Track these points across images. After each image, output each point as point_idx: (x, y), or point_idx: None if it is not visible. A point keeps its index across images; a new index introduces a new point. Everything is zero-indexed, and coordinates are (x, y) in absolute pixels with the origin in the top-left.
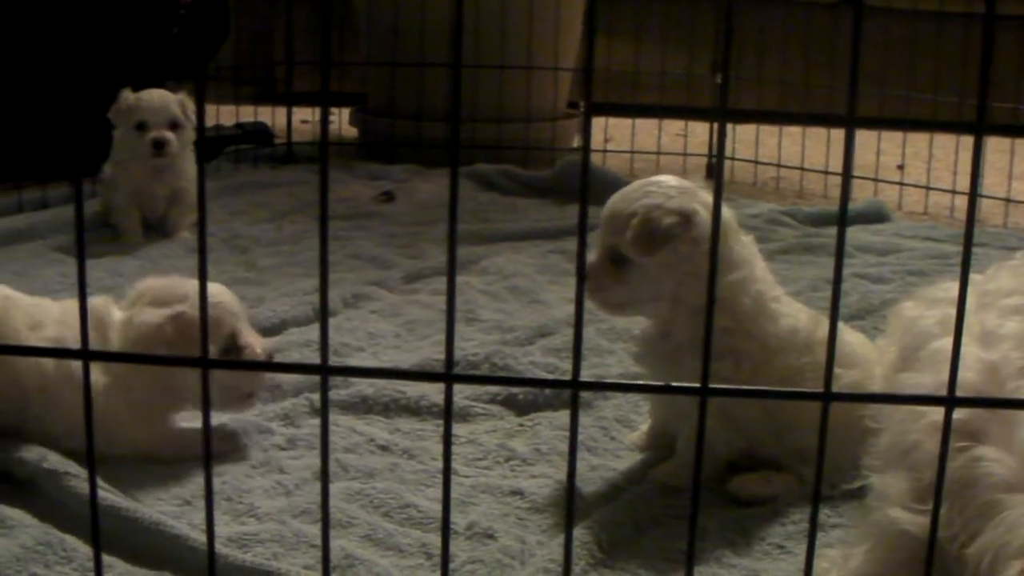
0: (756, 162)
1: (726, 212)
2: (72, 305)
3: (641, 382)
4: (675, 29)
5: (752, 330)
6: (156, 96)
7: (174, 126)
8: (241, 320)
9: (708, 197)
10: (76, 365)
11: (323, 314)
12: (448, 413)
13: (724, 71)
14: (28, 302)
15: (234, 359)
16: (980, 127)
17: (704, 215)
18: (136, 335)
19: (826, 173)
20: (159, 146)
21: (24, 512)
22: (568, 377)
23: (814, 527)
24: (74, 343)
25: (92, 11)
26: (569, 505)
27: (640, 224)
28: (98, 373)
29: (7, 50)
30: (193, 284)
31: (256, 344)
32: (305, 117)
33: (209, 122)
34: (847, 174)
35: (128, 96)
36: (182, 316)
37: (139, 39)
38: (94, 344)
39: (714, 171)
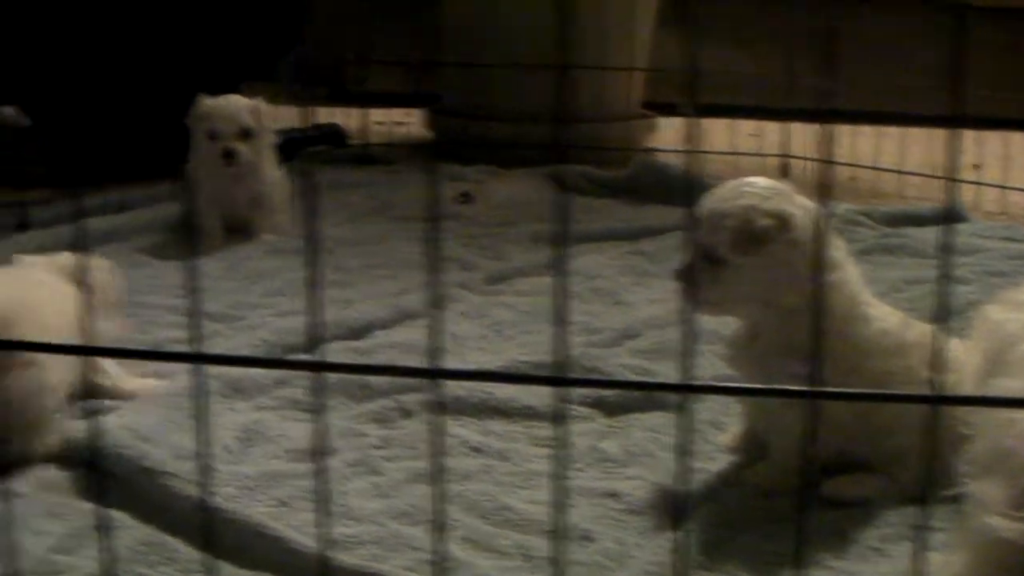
0: (830, 162)
1: (820, 214)
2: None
3: (750, 385)
4: (748, 28)
5: (845, 333)
6: (228, 104)
7: (246, 135)
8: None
9: (803, 199)
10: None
11: (432, 318)
12: (557, 418)
13: (827, 73)
14: None
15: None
16: None
17: (800, 217)
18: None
19: (901, 172)
20: (228, 156)
21: (125, 512)
22: (660, 379)
23: (921, 531)
24: None
25: (174, 11)
26: (674, 510)
27: (737, 225)
28: None
29: (89, 53)
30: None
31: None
32: (379, 118)
33: (284, 124)
34: (952, 175)
35: (203, 103)
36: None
37: (218, 39)
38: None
39: (785, 171)
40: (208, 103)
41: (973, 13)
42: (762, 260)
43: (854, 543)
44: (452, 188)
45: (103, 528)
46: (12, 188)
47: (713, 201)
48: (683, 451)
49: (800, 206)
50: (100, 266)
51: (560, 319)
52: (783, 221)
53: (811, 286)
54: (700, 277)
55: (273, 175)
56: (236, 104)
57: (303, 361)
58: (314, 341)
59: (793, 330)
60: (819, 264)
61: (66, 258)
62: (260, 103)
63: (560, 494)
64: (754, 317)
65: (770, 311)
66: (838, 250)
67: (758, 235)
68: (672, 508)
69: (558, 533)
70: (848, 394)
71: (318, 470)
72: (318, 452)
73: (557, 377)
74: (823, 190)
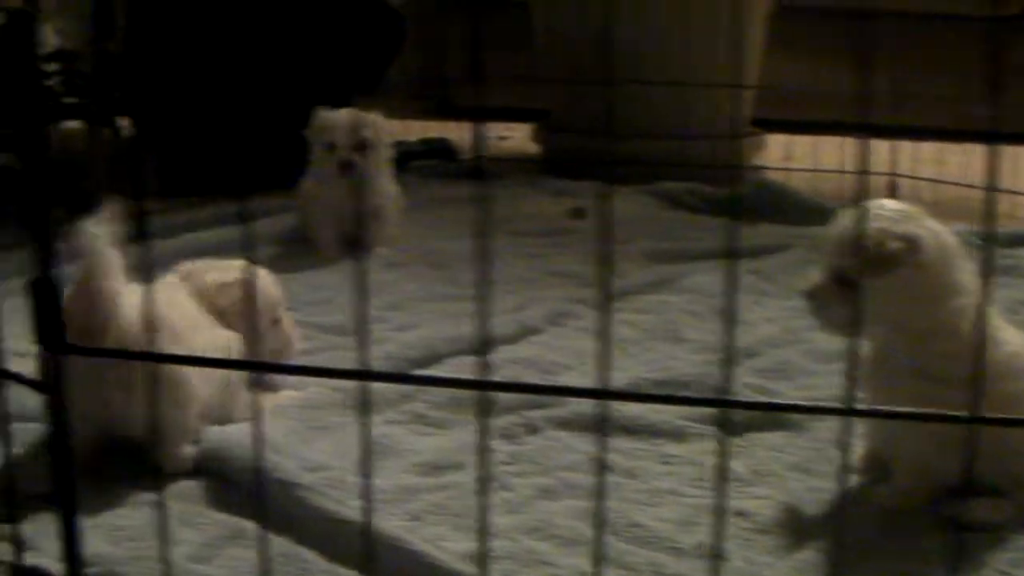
0: (938, 181)
1: (950, 238)
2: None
3: (905, 409)
4: (852, 47)
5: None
6: (346, 117)
7: (363, 147)
8: (277, 303)
9: (933, 223)
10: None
11: (601, 340)
12: (722, 435)
13: (994, 95)
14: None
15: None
16: None
17: (930, 240)
18: (206, 293)
19: (1014, 193)
20: (345, 168)
21: (257, 524)
22: (780, 399)
23: None
24: None
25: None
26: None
27: (868, 247)
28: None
29: (202, 67)
30: (240, 264)
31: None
32: (488, 133)
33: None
34: None
35: (321, 116)
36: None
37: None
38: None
39: (893, 190)
40: (326, 115)
41: None
42: (892, 282)
43: (982, 565)
44: (563, 204)
45: (237, 538)
46: (128, 199)
47: (844, 223)
48: (847, 473)
49: (929, 229)
50: (263, 277)
51: (727, 349)
52: (913, 244)
53: (940, 310)
54: (831, 298)
55: (389, 189)
56: (354, 116)
57: (470, 380)
58: (481, 355)
59: (922, 353)
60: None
61: (211, 272)
62: (378, 116)
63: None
64: (883, 339)
65: (900, 333)
66: (967, 273)
67: (889, 258)
68: (800, 528)
69: (690, 552)
70: (1010, 421)
71: (481, 483)
72: (482, 477)
73: (720, 399)
74: (988, 217)
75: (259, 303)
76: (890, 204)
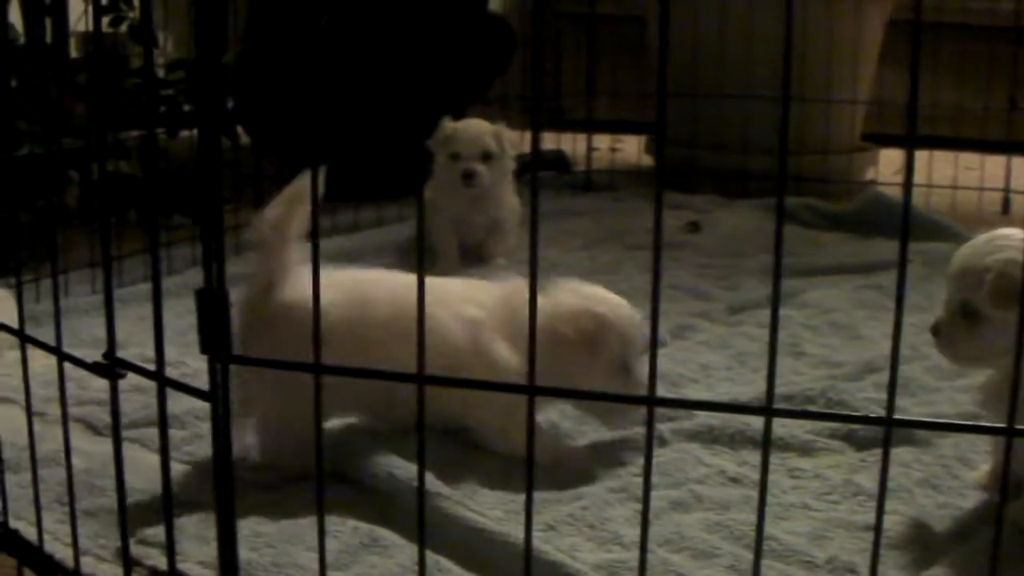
0: None
1: None
2: (473, 284)
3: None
4: (971, 62)
5: None
6: (471, 127)
7: (487, 157)
8: (633, 349)
9: None
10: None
11: (653, 348)
12: (766, 444)
13: None
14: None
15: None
16: None
17: None
18: (554, 314)
19: None
20: (468, 177)
21: (394, 532)
22: (904, 415)
23: None
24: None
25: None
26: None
27: (996, 279)
28: (511, 352)
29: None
30: (614, 299)
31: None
32: (597, 145)
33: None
34: None
35: (446, 126)
36: (602, 315)
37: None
38: (503, 323)
39: (1006, 206)
40: (451, 125)
41: None
42: (1021, 314)
43: None
44: (678, 217)
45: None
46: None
47: (969, 255)
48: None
49: None
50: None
51: (774, 353)
52: None
53: None
54: (957, 332)
55: (511, 201)
56: (479, 127)
57: (637, 397)
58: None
59: None
60: None
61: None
62: (503, 127)
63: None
64: (1011, 367)
65: None
66: None
67: (1018, 289)
68: (930, 543)
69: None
70: None
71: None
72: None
73: (763, 407)
74: None
75: (609, 339)
76: (1017, 234)
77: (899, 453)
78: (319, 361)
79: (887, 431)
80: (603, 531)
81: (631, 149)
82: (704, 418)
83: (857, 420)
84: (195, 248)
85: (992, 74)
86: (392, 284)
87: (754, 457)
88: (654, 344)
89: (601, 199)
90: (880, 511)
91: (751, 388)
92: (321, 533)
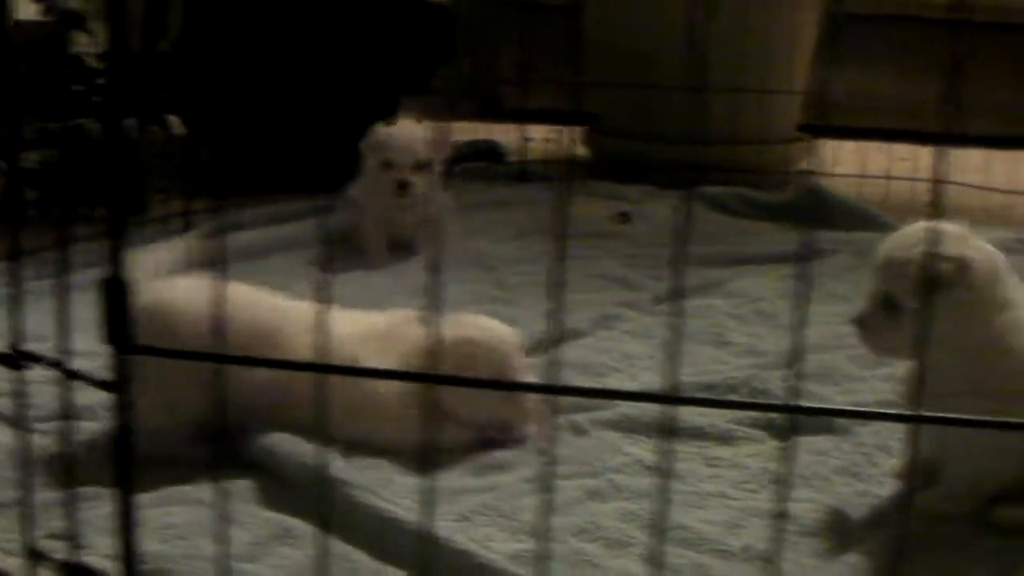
0: (985, 188)
1: (999, 255)
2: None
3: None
4: (905, 54)
5: None
6: (405, 134)
7: (420, 166)
8: (515, 367)
9: (980, 242)
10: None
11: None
12: (667, 433)
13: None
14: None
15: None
16: None
17: (980, 260)
18: (430, 349)
19: None
20: (402, 187)
21: (304, 522)
22: (826, 403)
23: None
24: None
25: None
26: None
27: (917, 272)
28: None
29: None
30: (489, 324)
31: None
32: (530, 135)
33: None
34: None
35: (379, 131)
36: (475, 345)
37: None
38: (385, 354)
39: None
40: (384, 133)
41: None
42: (943, 305)
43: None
44: (609, 208)
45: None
46: (179, 198)
47: (892, 247)
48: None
49: (977, 248)
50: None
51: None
52: (963, 266)
53: (992, 327)
54: (879, 323)
55: (440, 197)
56: (412, 135)
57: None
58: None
59: (976, 370)
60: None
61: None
62: (435, 131)
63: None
64: (934, 358)
65: (951, 352)
66: (1016, 288)
67: (939, 281)
68: (847, 531)
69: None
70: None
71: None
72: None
73: (666, 396)
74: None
75: (481, 369)
76: (936, 224)
77: (818, 441)
78: (218, 352)
79: (794, 419)
80: (516, 521)
81: (565, 140)
82: (624, 407)
83: (760, 408)
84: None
85: (930, 65)
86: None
87: (674, 446)
88: (557, 335)
89: (534, 189)
90: (784, 499)
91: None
92: (218, 525)
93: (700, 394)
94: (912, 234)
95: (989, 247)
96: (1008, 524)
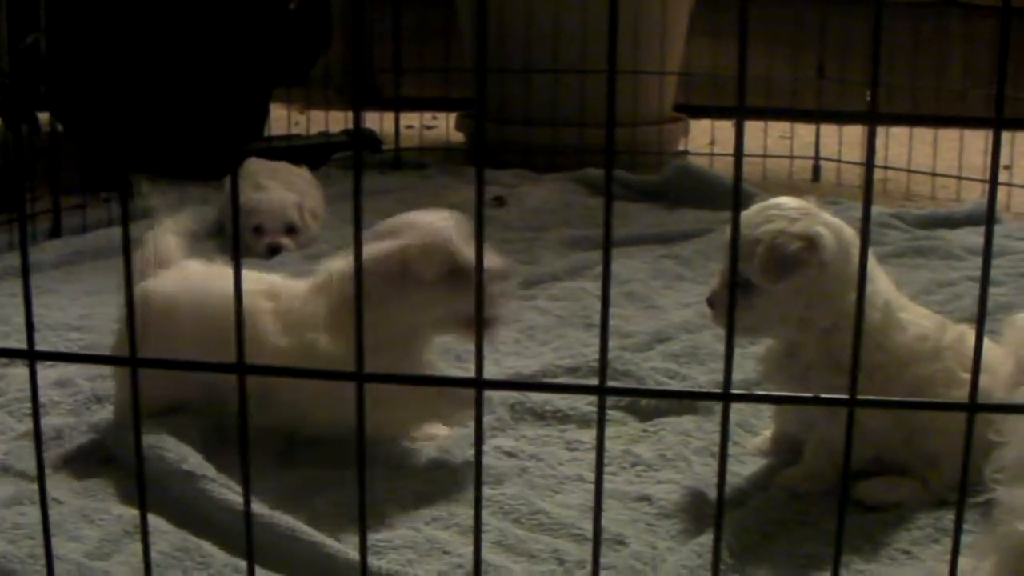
0: (863, 164)
1: (849, 230)
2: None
3: (792, 394)
4: (780, 31)
5: (883, 343)
6: (275, 200)
7: (290, 230)
8: (463, 246)
9: (829, 217)
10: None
11: (479, 328)
12: (602, 425)
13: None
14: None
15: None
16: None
17: (828, 237)
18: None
19: (934, 175)
20: (274, 251)
21: (159, 516)
22: (692, 383)
23: (952, 535)
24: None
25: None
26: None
27: (766, 252)
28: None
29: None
30: (426, 216)
31: (493, 265)
32: (410, 123)
33: (316, 128)
34: (994, 179)
35: (249, 198)
36: (397, 251)
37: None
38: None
39: (816, 174)
40: (254, 199)
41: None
42: (794, 283)
43: (885, 546)
44: (485, 192)
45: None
46: (48, 194)
47: (741, 225)
48: (719, 456)
49: (826, 224)
50: None
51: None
52: (812, 243)
53: (844, 302)
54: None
55: (315, 206)
56: (283, 200)
57: (344, 373)
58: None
59: (831, 346)
60: (860, 277)
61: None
62: (303, 202)
63: (594, 498)
64: (791, 337)
65: (807, 330)
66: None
67: (788, 260)
68: (704, 512)
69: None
70: (888, 402)
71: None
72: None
73: (597, 386)
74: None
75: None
76: (788, 202)
77: (682, 422)
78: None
79: (600, 400)
80: (373, 512)
81: (443, 126)
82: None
83: (571, 390)
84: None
85: (800, 42)
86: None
87: (532, 431)
88: (479, 327)
89: (409, 177)
90: (599, 476)
91: (535, 362)
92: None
93: (563, 377)
94: (761, 212)
95: (838, 221)
96: (871, 501)
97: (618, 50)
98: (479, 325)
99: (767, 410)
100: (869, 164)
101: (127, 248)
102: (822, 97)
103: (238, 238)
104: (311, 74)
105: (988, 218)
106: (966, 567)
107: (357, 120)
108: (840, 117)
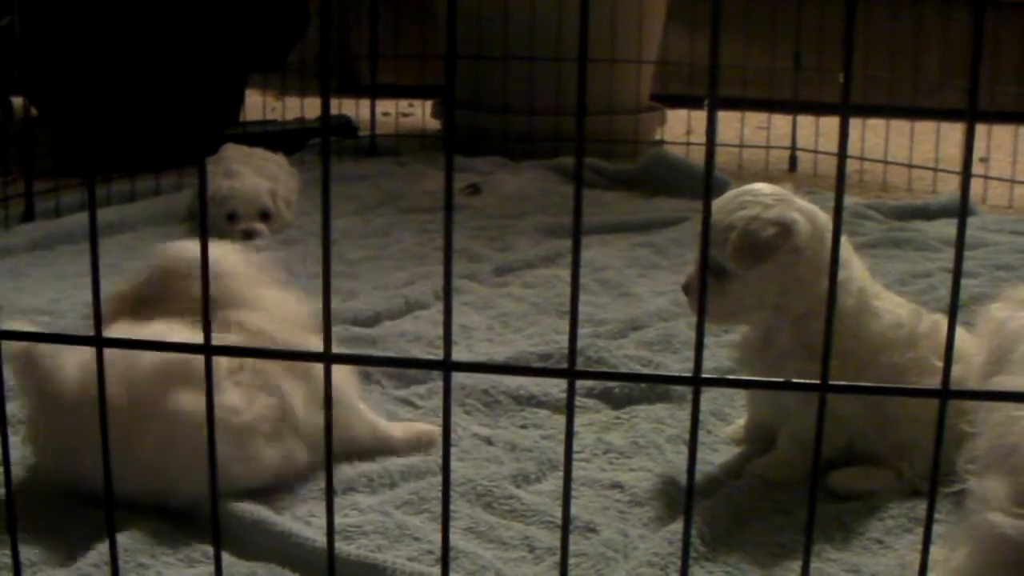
0: (839, 155)
1: (823, 216)
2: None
3: (763, 379)
4: (756, 22)
5: (857, 330)
6: (248, 187)
7: (264, 216)
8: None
9: (804, 203)
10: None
11: (447, 310)
12: (571, 408)
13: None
14: None
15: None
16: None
17: (803, 223)
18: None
19: (910, 167)
20: (249, 237)
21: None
22: (665, 371)
23: (925, 524)
24: None
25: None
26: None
27: (740, 238)
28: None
29: (99, 45)
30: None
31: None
32: (387, 110)
33: (292, 115)
34: (967, 171)
35: (222, 185)
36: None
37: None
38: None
39: (793, 164)
40: (227, 186)
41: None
42: (768, 269)
43: (857, 535)
44: (460, 180)
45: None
46: (21, 178)
47: (714, 212)
48: (690, 442)
49: (801, 210)
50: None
51: (575, 316)
52: (786, 229)
53: (819, 289)
54: (706, 290)
55: (289, 195)
56: (257, 187)
57: (310, 352)
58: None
59: (805, 332)
60: (832, 263)
61: None
62: (276, 187)
63: (563, 483)
64: (765, 323)
65: (781, 316)
66: (843, 248)
67: (762, 246)
68: (676, 499)
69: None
70: (860, 388)
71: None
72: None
73: (567, 370)
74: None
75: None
76: (762, 188)
77: (655, 410)
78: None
79: (570, 383)
80: (342, 496)
81: (419, 114)
82: (460, 377)
83: (540, 373)
84: None
85: (777, 33)
86: None
87: (505, 417)
88: (448, 308)
89: (384, 164)
90: (569, 464)
91: (508, 348)
92: None
93: (535, 364)
94: (735, 198)
95: (813, 208)
96: (844, 490)
97: (595, 39)
98: (448, 305)
99: (741, 399)
100: (842, 154)
101: (94, 232)
102: (799, 88)
103: (205, 221)
104: (287, 60)
105: (961, 209)
106: (938, 557)
107: (325, 105)
108: (817, 108)
